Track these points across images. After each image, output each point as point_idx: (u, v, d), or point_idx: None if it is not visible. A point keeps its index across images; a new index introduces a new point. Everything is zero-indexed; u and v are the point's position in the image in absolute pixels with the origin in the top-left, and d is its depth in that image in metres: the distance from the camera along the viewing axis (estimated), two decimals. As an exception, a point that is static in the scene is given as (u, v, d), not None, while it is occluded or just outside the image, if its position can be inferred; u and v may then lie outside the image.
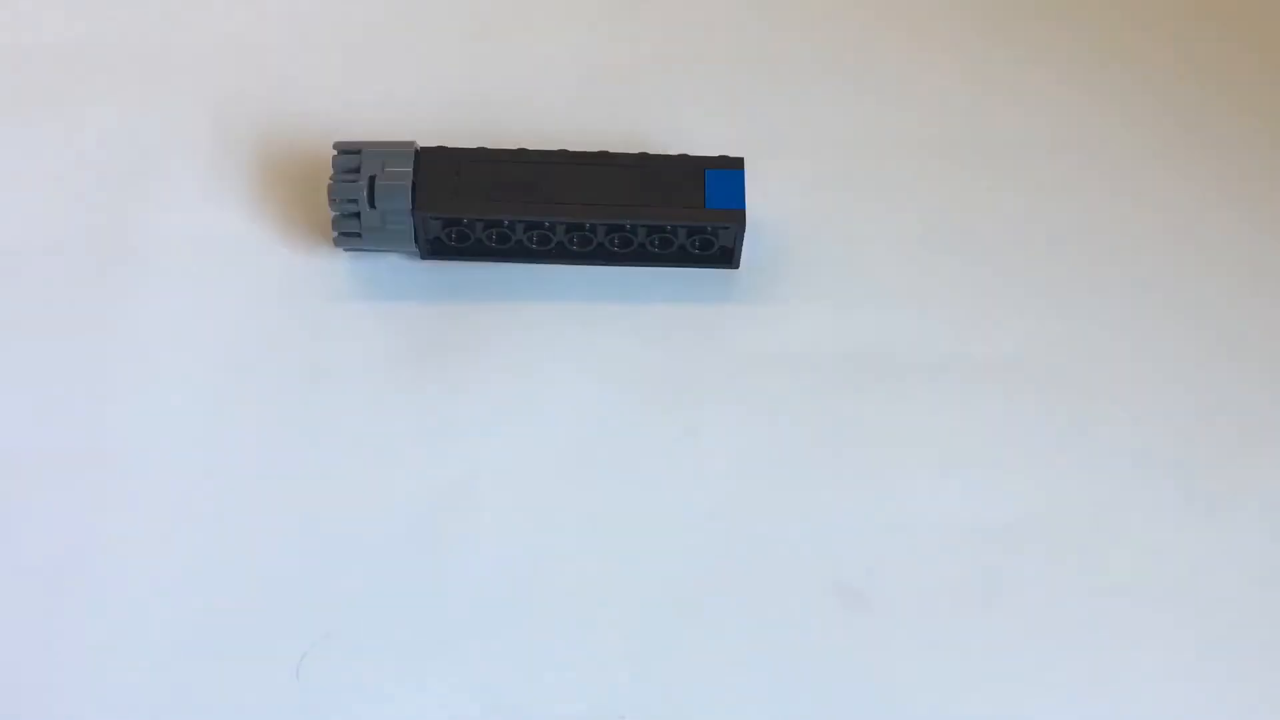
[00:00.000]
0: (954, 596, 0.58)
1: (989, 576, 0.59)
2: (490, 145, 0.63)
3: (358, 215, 0.62)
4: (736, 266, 0.64)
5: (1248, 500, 0.61)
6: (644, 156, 0.63)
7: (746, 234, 0.63)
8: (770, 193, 0.65)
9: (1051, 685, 0.57)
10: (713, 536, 0.59)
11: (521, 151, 0.63)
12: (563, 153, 0.63)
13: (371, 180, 0.61)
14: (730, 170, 0.62)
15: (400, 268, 0.64)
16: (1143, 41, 0.72)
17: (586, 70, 0.69)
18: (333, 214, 0.62)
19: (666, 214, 0.62)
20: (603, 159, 0.63)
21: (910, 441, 0.61)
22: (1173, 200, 0.67)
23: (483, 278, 0.64)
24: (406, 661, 0.57)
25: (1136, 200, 0.67)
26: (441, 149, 0.63)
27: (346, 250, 0.64)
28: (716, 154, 0.63)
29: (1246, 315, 0.65)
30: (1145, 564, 0.59)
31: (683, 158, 0.63)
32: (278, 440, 0.61)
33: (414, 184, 0.61)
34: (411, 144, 0.62)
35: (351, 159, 0.62)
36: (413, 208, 0.61)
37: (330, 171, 0.62)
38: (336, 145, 0.62)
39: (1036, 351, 0.63)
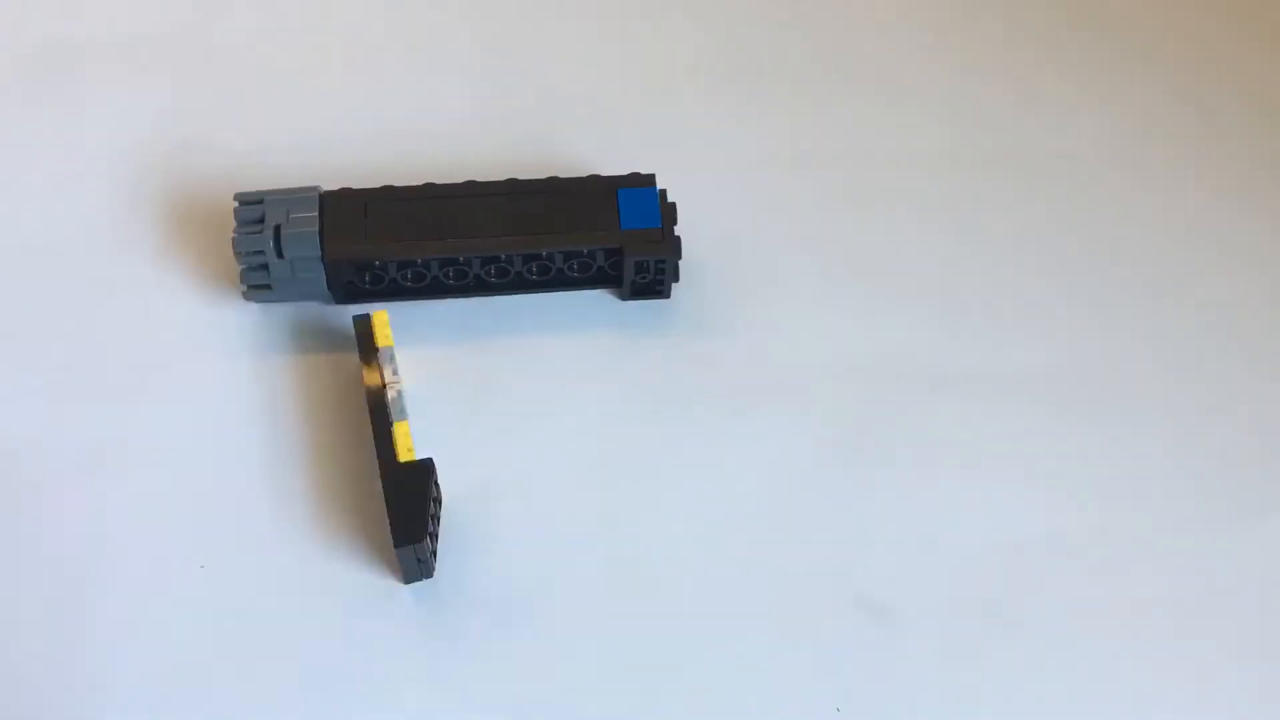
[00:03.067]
0: (980, 611, 0.57)
1: (1016, 591, 0.57)
2: (396, 183, 0.62)
3: (266, 267, 0.60)
4: (668, 296, 0.63)
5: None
6: (553, 180, 0.62)
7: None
8: (777, 203, 0.64)
9: (1080, 703, 0.56)
10: (735, 550, 0.58)
11: (428, 186, 0.61)
12: (470, 184, 0.61)
13: (277, 229, 0.60)
14: (642, 188, 0.61)
15: (316, 314, 0.62)
16: (1167, 45, 0.71)
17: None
18: (240, 267, 0.61)
19: (582, 239, 0.61)
20: (512, 187, 0.61)
21: (936, 454, 0.60)
22: (1205, 210, 0.66)
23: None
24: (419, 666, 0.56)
25: (1168, 210, 0.66)
26: (346, 191, 0.61)
27: (257, 303, 0.62)
28: (646, 170, 0.62)
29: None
30: (1177, 579, 0.58)
31: (593, 178, 0.62)
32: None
33: (321, 229, 0.60)
34: (315, 188, 0.61)
35: (254, 209, 0.60)
36: (322, 254, 0.60)
37: (233, 224, 0.60)
38: (237, 196, 0.61)
39: (1064, 363, 0.62)
